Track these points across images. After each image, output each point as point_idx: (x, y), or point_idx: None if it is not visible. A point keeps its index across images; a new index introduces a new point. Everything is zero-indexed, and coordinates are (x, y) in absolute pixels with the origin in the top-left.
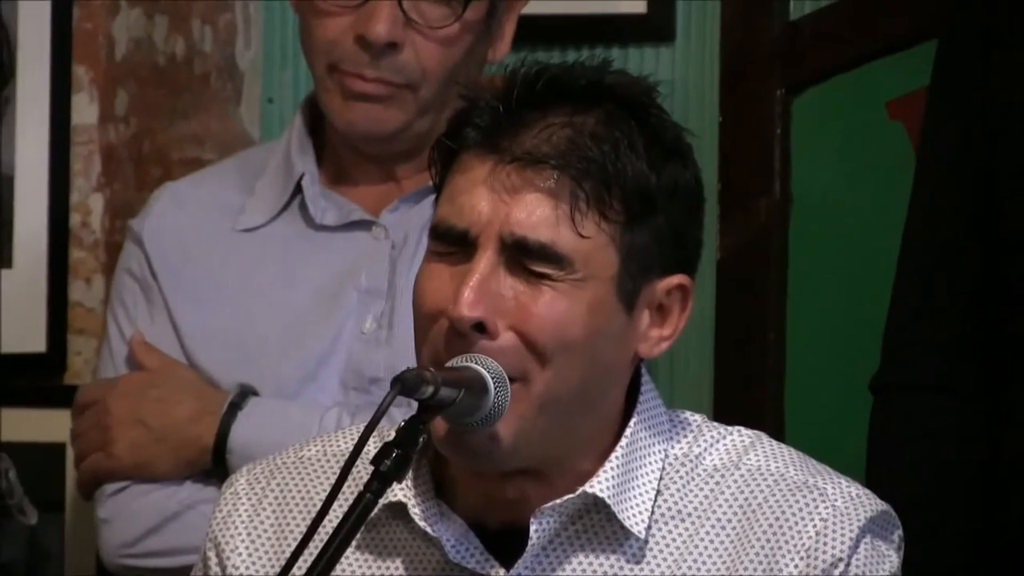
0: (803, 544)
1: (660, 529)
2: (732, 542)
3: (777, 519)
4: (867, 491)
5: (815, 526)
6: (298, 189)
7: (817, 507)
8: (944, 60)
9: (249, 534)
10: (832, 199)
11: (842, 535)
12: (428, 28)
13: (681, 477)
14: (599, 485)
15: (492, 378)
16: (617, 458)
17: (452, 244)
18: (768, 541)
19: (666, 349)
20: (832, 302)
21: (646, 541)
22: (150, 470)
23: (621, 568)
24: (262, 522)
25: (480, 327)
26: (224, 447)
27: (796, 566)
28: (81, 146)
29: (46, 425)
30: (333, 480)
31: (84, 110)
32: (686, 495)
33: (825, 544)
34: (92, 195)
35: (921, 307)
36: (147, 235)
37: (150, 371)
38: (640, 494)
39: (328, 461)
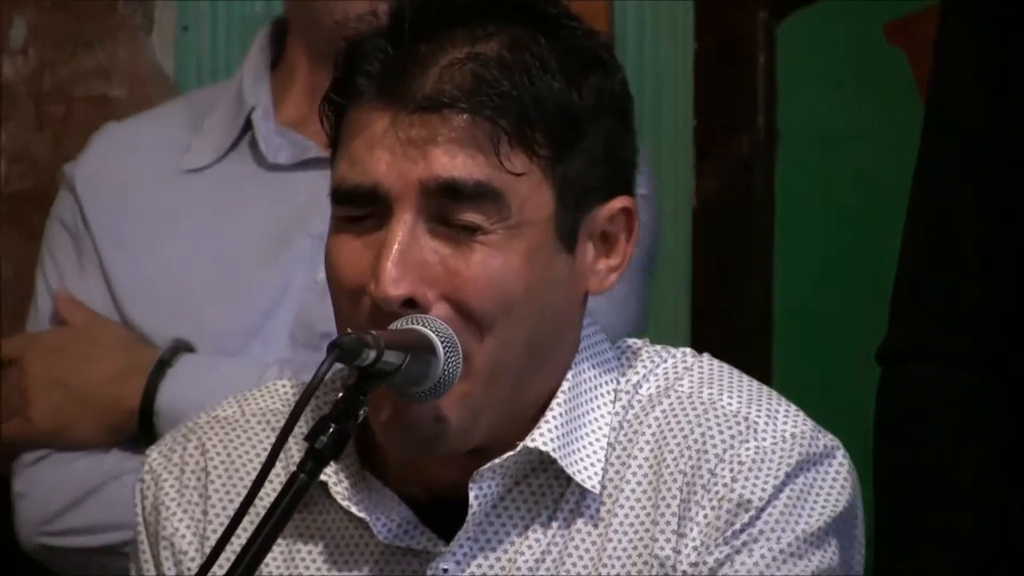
0: (715, 492)
1: (615, 478)
2: (652, 486)
3: (694, 456)
4: (811, 427)
5: (732, 471)
6: (248, 125)
7: (740, 448)
8: None
9: (185, 510)
10: (823, 136)
11: (759, 480)
12: None
13: (628, 412)
14: (541, 438)
15: (441, 341)
16: (560, 405)
17: (360, 206)
18: (687, 490)
19: (615, 280)
20: (825, 254)
21: (603, 495)
22: (71, 436)
23: (579, 531)
24: (191, 495)
25: (410, 303)
26: (151, 409)
27: (705, 515)
28: None
29: None
30: (255, 444)
31: None
32: (628, 431)
33: (734, 491)
34: None
35: (938, 263)
36: (80, 180)
37: (73, 327)
38: (590, 443)
39: (248, 421)
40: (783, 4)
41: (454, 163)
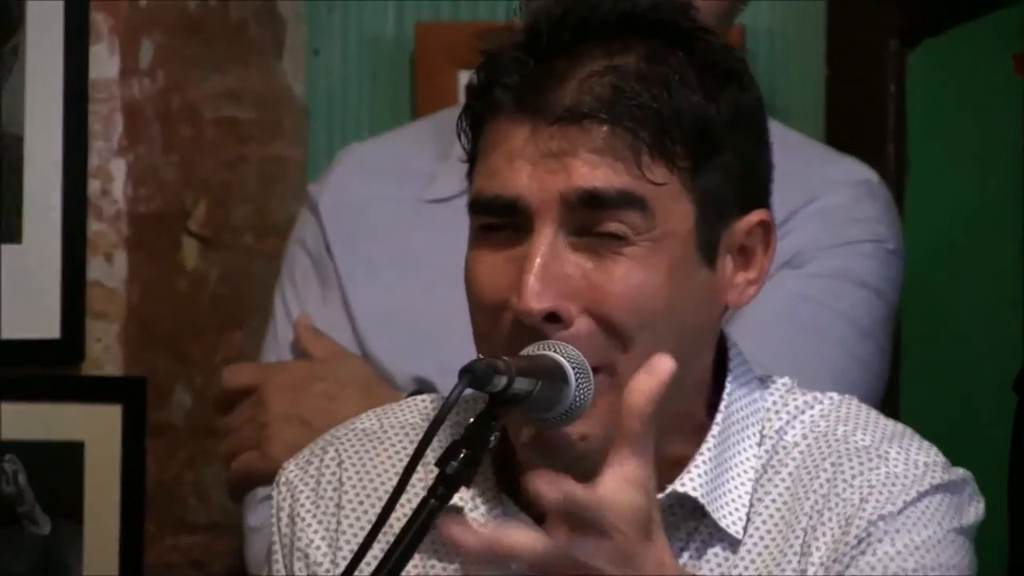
0: (843, 512)
1: (755, 520)
2: (784, 518)
3: (824, 485)
4: (944, 460)
5: (861, 493)
6: None
7: (871, 474)
8: None
9: (320, 522)
10: (954, 163)
11: (890, 499)
12: None
13: (772, 458)
14: (691, 483)
15: (573, 367)
16: (710, 450)
17: (499, 216)
18: (814, 515)
19: (755, 294)
20: (956, 283)
21: (742, 539)
22: None
23: (708, 561)
24: (326, 506)
25: (552, 317)
26: None
27: (832, 533)
28: (100, 104)
29: (61, 421)
30: (391, 456)
31: (103, 62)
32: (770, 473)
33: (864, 510)
34: (113, 159)
35: None
36: (324, 203)
37: (315, 361)
38: (736, 487)
39: (386, 433)
40: (914, 33)
41: (595, 174)
